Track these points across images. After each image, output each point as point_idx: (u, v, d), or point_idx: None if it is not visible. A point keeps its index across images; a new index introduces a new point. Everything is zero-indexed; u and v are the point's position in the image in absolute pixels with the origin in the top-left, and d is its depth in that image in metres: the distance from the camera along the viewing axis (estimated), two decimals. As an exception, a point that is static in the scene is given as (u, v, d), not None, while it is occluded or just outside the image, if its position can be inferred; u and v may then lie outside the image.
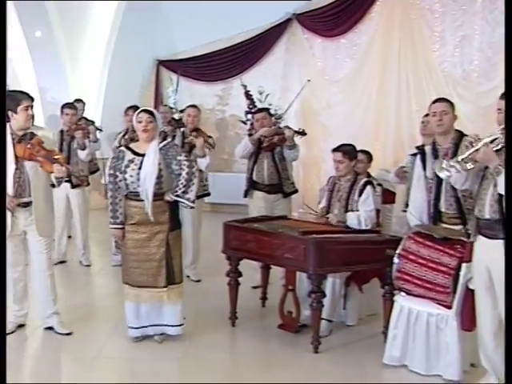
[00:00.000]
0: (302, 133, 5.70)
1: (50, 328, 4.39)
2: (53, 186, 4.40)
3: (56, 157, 4.14)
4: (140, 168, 4.05)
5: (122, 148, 4.28)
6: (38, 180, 4.19)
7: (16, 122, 4.12)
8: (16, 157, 4.09)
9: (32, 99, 4.19)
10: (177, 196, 4.10)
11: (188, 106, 6.08)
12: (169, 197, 4.12)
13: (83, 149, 6.09)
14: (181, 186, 4.08)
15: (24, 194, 4.16)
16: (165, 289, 4.13)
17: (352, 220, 4.57)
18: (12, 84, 9.13)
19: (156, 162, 4.04)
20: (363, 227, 4.54)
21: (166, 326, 4.22)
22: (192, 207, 4.25)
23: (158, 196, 4.08)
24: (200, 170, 5.19)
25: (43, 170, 4.15)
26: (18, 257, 4.32)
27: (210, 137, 5.88)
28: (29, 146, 4.06)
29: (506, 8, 3.79)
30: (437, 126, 3.98)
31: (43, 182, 4.25)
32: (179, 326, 4.25)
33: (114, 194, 4.15)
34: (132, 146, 4.27)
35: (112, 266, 6.20)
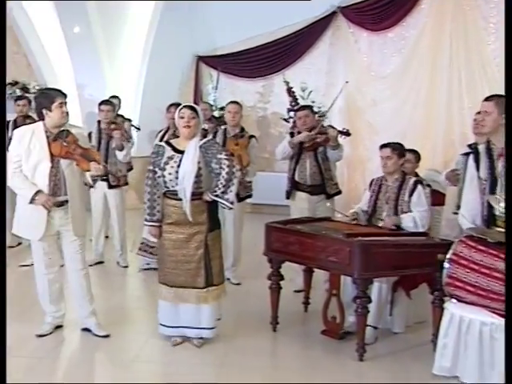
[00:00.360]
0: (346, 133, 5.63)
1: (88, 329, 4.46)
2: (89, 186, 4.46)
3: (94, 155, 4.21)
4: (179, 166, 4.08)
5: (162, 143, 4.31)
6: (73, 178, 4.26)
7: (51, 119, 4.20)
8: (51, 155, 4.17)
9: (65, 96, 4.25)
10: (216, 196, 4.11)
11: (229, 103, 6.09)
12: (208, 196, 4.13)
13: (121, 149, 6.17)
14: (220, 185, 4.08)
15: (59, 192, 4.24)
16: (204, 290, 4.16)
17: (407, 223, 4.52)
18: (50, 81, 9.37)
19: (195, 161, 4.06)
20: (420, 229, 4.48)
21: (203, 328, 4.25)
22: (231, 208, 4.26)
23: (196, 195, 4.10)
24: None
25: (80, 169, 4.22)
26: (53, 257, 4.39)
27: (252, 136, 5.89)
28: (65, 143, 4.14)
29: (506, 8, 3.72)
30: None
31: (78, 181, 4.32)
32: (214, 328, 4.28)
33: (152, 191, 4.18)
34: (173, 141, 4.29)
35: (142, 270, 6.25)
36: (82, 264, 4.41)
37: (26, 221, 4.29)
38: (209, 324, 4.25)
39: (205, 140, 4.21)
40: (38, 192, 4.13)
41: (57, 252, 4.45)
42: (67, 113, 4.23)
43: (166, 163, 4.13)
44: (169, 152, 4.17)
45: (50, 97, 4.19)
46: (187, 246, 4.15)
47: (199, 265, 4.15)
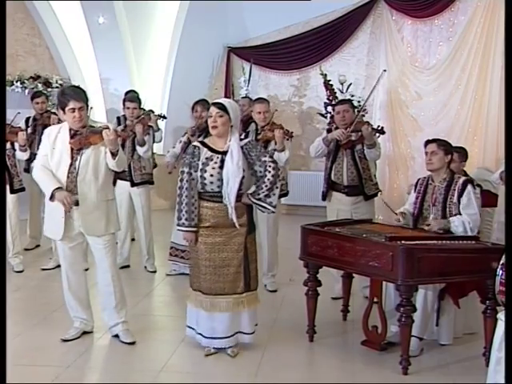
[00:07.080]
0: (381, 131, 5.54)
1: (115, 335, 4.54)
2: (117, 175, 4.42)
3: (104, 126, 4.27)
4: (220, 167, 4.13)
5: (197, 144, 4.32)
6: (90, 173, 4.30)
7: (67, 121, 4.35)
8: (71, 151, 4.28)
9: (82, 100, 4.31)
10: (258, 199, 4.18)
11: (255, 102, 6.09)
12: (248, 199, 4.19)
13: (142, 145, 6.22)
14: (264, 188, 4.16)
15: (76, 190, 4.31)
16: (243, 295, 4.23)
17: (457, 227, 4.48)
18: (74, 75, 9.50)
19: (240, 163, 4.11)
20: (469, 233, 4.44)
21: (241, 333, 4.32)
22: (273, 212, 4.35)
23: (236, 197, 4.15)
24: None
25: (92, 144, 4.27)
26: (75, 260, 4.49)
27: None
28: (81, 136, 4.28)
29: (506, 8, 3.70)
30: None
31: (97, 176, 4.34)
32: (253, 333, 4.35)
33: (189, 194, 4.19)
34: (207, 141, 4.33)
35: (166, 275, 6.33)
36: (108, 267, 4.47)
37: (49, 220, 4.44)
38: (247, 329, 4.32)
39: (246, 141, 4.28)
40: (59, 188, 4.23)
41: (80, 254, 4.58)
42: (80, 117, 4.28)
43: (206, 164, 4.17)
44: (206, 153, 4.21)
45: (64, 99, 4.30)
46: (226, 249, 4.22)
47: (239, 269, 4.23)
